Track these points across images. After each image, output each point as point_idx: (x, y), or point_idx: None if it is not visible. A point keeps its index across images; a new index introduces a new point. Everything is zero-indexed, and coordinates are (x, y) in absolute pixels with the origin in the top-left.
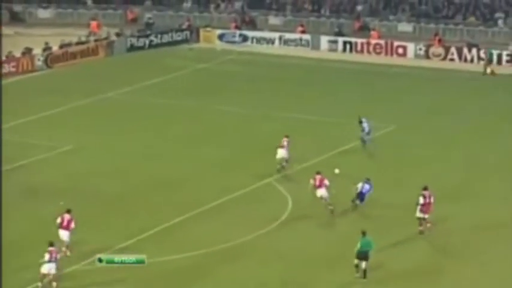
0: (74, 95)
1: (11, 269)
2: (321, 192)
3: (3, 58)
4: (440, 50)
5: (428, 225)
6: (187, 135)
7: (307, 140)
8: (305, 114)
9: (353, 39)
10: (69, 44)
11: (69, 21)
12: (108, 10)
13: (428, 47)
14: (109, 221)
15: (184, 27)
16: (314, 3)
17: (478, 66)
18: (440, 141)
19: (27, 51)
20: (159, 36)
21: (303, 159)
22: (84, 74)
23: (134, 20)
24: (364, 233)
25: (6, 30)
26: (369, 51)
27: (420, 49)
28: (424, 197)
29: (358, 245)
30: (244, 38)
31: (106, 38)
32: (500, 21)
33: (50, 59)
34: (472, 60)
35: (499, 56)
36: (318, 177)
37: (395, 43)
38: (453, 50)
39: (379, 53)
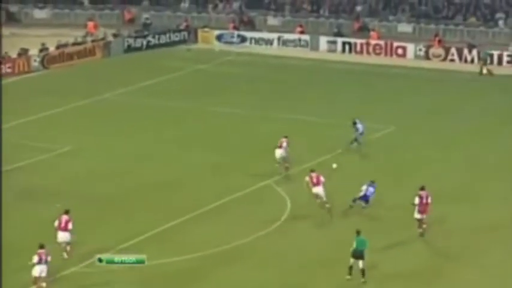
0: (70, 96)
1: (9, 270)
2: (318, 190)
3: None
4: (441, 51)
5: (424, 226)
6: (186, 136)
7: (306, 141)
8: (304, 116)
9: (352, 40)
10: (65, 45)
11: (65, 21)
12: (105, 10)
13: (428, 47)
14: (107, 223)
15: (182, 27)
16: (313, 4)
17: (478, 67)
18: (440, 142)
19: (23, 52)
20: (156, 36)
21: (302, 161)
22: (81, 75)
23: (131, 21)
24: (358, 232)
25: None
26: (368, 52)
27: (420, 50)
28: (421, 197)
29: (354, 245)
30: (243, 39)
31: (103, 39)
32: (500, 22)
33: (47, 60)
34: (472, 61)
35: (500, 57)
36: (314, 175)
37: (395, 44)
38: (453, 50)
39: (378, 54)
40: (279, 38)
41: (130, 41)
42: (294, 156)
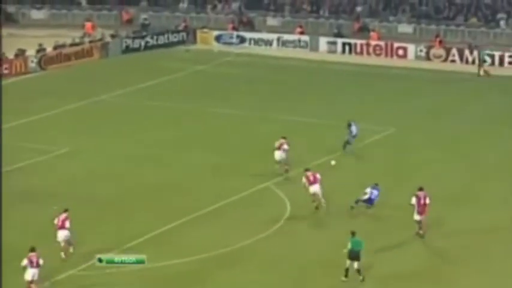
0: (68, 97)
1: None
2: (315, 188)
3: None
4: (441, 52)
5: (424, 228)
6: (185, 138)
7: (306, 142)
8: (304, 117)
9: (352, 41)
10: (63, 46)
11: (63, 22)
12: (102, 11)
13: (429, 48)
14: (105, 225)
15: (180, 28)
16: (313, 4)
17: (487, 69)
18: (441, 144)
19: (21, 52)
20: (154, 37)
21: (302, 162)
22: (79, 76)
23: (129, 21)
24: (353, 233)
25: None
26: (368, 53)
27: (421, 50)
28: (418, 198)
29: (349, 246)
30: (242, 40)
31: (101, 40)
32: (502, 22)
33: (44, 61)
34: (473, 62)
35: (501, 58)
36: (310, 173)
37: (396, 44)
38: (454, 51)
39: (379, 55)
40: (278, 39)
41: (129, 41)
42: (294, 157)
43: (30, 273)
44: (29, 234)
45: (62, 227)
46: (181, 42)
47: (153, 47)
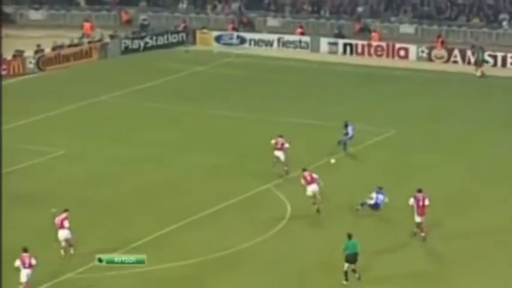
0: (66, 98)
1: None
2: (313, 188)
3: None
4: (443, 52)
5: (422, 233)
6: (184, 139)
7: (306, 144)
8: (304, 118)
9: (353, 41)
10: (61, 46)
11: (61, 22)
12: (101, 11)
13: (430, 49)
14: (104, 228)
15: (180, 29)
16: (313, 4)
17: (483, 69)
18: (442, 145)
19: (19, 53)
20: (154, 38)
21: (303, 164)
22: (77, 77)
23: (129, 22)
24: (350, 236)
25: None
26: (369, 54)
27: (422, 51)
28: (417, 199)
29: (343, 247)
30: (242, 40)
31: (100, 40)
32: (504, 23)
33: (42, 62)
34: (475, 63)
35: (504, 59)
36: (307, 173)
37: (397, 45)
38: (456, 52)
39: (380, 56)
40: (279, 40)
41: (128, 42)
42: (295, 159)
43: (24, 274)
44: (27, 236)
45: (62, 226)
46: (181, 43)
47: (152, 47)
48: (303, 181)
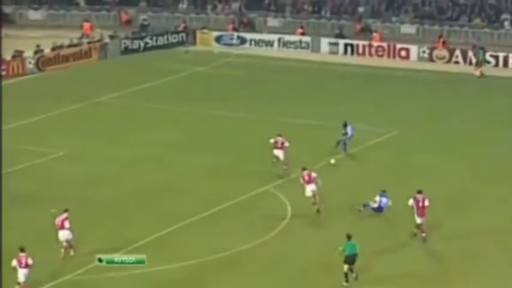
0: (66, 99)
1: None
2: (311, 187)
3: None
4: (445, 53)
5: (423, 234)
6: (184, 140)
7: (307, 145)
8: (305, 119)
9: (354, 42)
10: (61, 47)
11: (61, 22)
12: (101, 11)
13: (432, 49)
14: (103, 229)
15: (180, 29)
16: (314, 4)
17: (483, 70)
18: (444, 146)
19: (18, 54)
20: (154, 38)
21: (303, 165)
22: (77, 77)
23: (128, 22)
24: (349, 237)
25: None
26: (370, 54)
27: (424, 52)
28: (417, 200)
29: (341, 248)
30: (242, 40)
31: (99, 40)
32: (506, 23)
33: (42, 62)
34: (477, 63)
35: (505, 59)
36: (306, 173)
37: (398, 45)
38: (458, 52)
39: (381, 56)
40: (279, 40)
41: (127, 42)
42: (295, 159)
43: (21, 274)
44: (27, 236)
45: (62, 227)
46: (181, 43)
47: (152, 48)
48: (301, 180)
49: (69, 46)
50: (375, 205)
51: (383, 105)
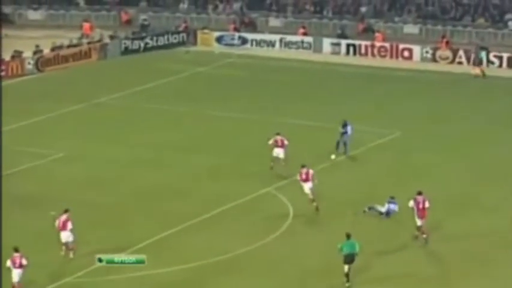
0: (65, 100)
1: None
2: (309, 185)
3: None
4: (448, 53)
5: (424, 235)
6: (184, 141)
7: (308, 146)
8: (307, 120)
9: (357, 42)
10: (60, 47)
11: (60, 22)
12: (101, 11)
13: (435, 49)
14: (102, 231)
15: (180, 29)
16: (316, 4)
17: (487, 70)
18: (447, 147)
19: (17, 54)
20: (154, 38)
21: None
22: (77, 78)
23: (129, 22)
24: (348, 236)
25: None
26: (373, 54)
27: (427, 52)
28: (417, 202)
29: (339, 246)
30: (244, 41)
31: (99, 41)
32: (510, 23)
33: (41, 63)
34: (480, 63)
35: (509, 59)
36: (304, 170)
37: (401, 46)
38: (461, 52)
39: (383, 56)
40: (281, 40)
41: (128, 43)
42: (296, 160)
43: (15, 274)
44: (27, 238)
45: (64, 228)
46: (182, 43)
47: (152, 48)
48: (299, 177)
49: (69, 46)
50: (383, 210)
51: (385, 106)
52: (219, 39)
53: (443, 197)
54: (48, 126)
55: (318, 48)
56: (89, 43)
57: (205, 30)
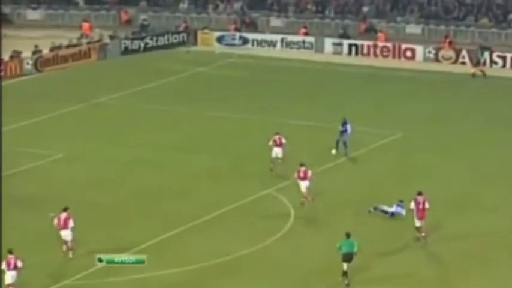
0: (65, 100)
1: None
2: (306, 184)
3: None
4: (451, 53)
5: (423, 234)
6: (185, 142)
7: (310, 146)
8: (308, 120)
9: (359, 42)
10: (59, 47)
11: (59, 22)
12: (101, 11)
13: (438, 49)
14: (101, 233)
15: (181, 29)
16: (318, 4)
17: (490, 71)
18: (450, 148)
19: (16, 54)
20: (154, 38)
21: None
22: (76, 78)
23: (128, 22)
24: (348, 235)
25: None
26: (375, 54)
27: (429, 52)
28: (417, 202)
29: (338, 245)
30: (244, 41)
31: (99, 41)
32: None
33: (40, 63)
34: (484, 64)
35: None
36: (302, 169)
37: (404, 46)
38: (464, 53)
39: (386, 56)
40: (282, 40)
41: (127, 43)
42: (297, 161)
43: (8, 276)
44: (27, 239)
45: (65, 227)
46: (182, 43)
47: (152, 48)
48: (296, 175)
49: (68, 46)
50: (389, 210)
51: (388, 106)
52: (219, 39)
53: (443, 197)
54: (48, 127)
55: (320, 48)
56: (88, 43)
57: (206, 30)
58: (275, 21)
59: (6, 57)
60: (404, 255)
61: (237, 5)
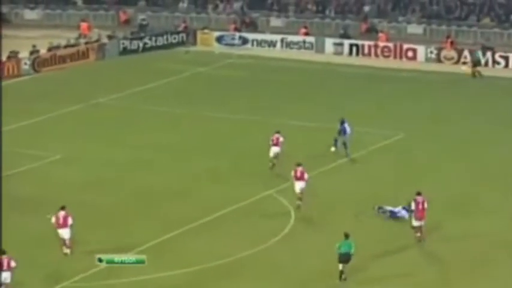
0: (63, 101)
1: None
2: (301, 185)
3: None
4: (453, 53)
5: (420, 234)
6: (184, 143)
7: (310, 147)
8: (309, 121)
9: (360, 42)
10: (57, 47)
11: (57, 22)
12: (99, 11)
13: (439, 50)
14: (101, 234)
15: (180, 29)
16: (318, 4)
17: (492, 71)
18: (452, 149)
19: (13, 54)
20: (153, 38)
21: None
22: (74, 78)
23: (127, 22)
24: (346, 236)
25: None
26: (376, 55)
27: (431, 52)
28: (417, 203)
29: (337, 246)
30: (244, 41)
31: (97, 41)
32: None
33: (38, 63)
34: (486, 64)
35: None
36: (299, 169)
37: (405, 46)
38: (466, 53)
39: (387, 57)
40: (282, 40)
41: (126, 43)
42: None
43: (2, 277)
44: (25, 240)
45: (64, 225)
46: (181, 43)
47: (151, 48)
48: (293, 174)
49: (66, 46)
50: (394, 210)
51: (389, 107)
52: (219, 39)
53: (443, 197)
54: (46, 128)
55: (320, 49)
56: (86, 43)
57: (205, 30)
58: (275, 21)
59: (3, 57)
60: (404, 256)
61: (236, 5)
